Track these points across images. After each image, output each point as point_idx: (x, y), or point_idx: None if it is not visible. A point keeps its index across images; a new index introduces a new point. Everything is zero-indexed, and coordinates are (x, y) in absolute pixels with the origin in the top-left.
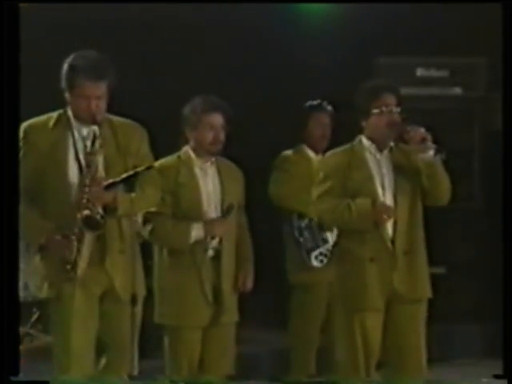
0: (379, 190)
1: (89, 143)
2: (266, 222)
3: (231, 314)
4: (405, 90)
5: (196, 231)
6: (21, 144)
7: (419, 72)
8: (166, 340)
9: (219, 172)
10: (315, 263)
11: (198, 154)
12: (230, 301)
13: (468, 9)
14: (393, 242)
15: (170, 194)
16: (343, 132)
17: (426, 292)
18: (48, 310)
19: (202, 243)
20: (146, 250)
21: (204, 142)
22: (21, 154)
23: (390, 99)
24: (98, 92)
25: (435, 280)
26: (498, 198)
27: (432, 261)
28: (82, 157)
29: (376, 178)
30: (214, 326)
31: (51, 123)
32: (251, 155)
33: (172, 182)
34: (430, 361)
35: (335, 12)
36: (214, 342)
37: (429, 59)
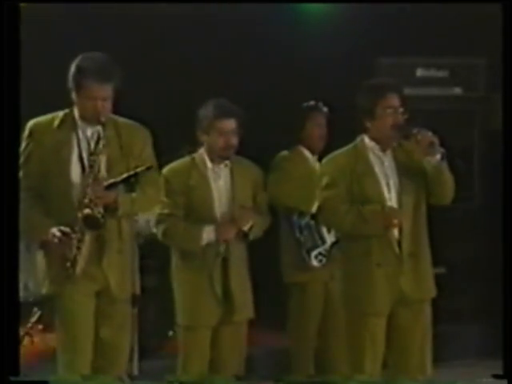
0: (385, 193)
1: (93, 143)
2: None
3: (243, 312)
4: (405, 91)
5: (207, 234)
6: (26, 142)
7: (419, 72)
8: (179, 339)
9: (232, 174)
10: (315, 263)
11: (211, 157)
12: (241, 300)
13: (468, 9)
14: (399, 244)
15: (182, 195)
16: (339, 132)
17: (431, 292)
18: (49, 307)
19: (213, 246)
20: (144, 250)
21: (215, 147)
22: (26, 152)
23: (395, 99)
24: (104, 93)
25: (435, 280)
26: (498, 197)
27: (432, 261)
28: (85, 157)
29: (381, 180)
30: (225, 326)
31: (56, 122)
32: (251, 155)
33: (184, 183)
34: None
35: (335, 12)
36: (224, 341)
37: (429, 59)
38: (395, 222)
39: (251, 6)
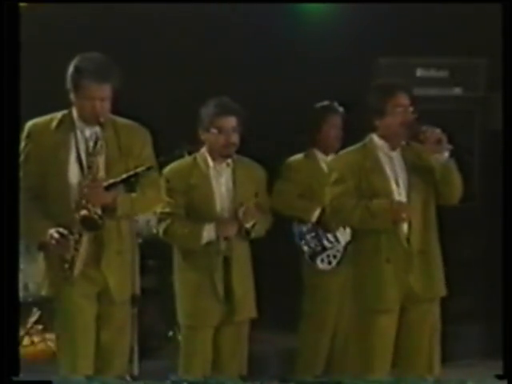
0: (394, 190)
1: (91, 144)
2: (274, 222)
3: (245, 312)
4: None
5: (207, 232)
6: (24, 143)
7: (419, 72)
8: (181, 339)
9: (234, 173)
10: (321, 266)
11: (212, 156)
12: (243, 299)
13: (468, 9)
14: (408, 240)
15: (182, 195)
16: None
17: (441, 290)
18: (49, 308)
19: (214, 244)
20: (145, 250)
21: (216, 145)
22: (24, 152)
23: (404, 98)
24: (102, 94)
25: None
26: (498, 197)
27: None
28: (83, 157)
29: (390, 177)
30: (228, 325)
31: (55, 123)
32: (250, 156)
33: (185, 183)
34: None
35: (335, 12)
36: (226, 341)
37: (429, 59)
38: (404, 216)
39: (251, 5)
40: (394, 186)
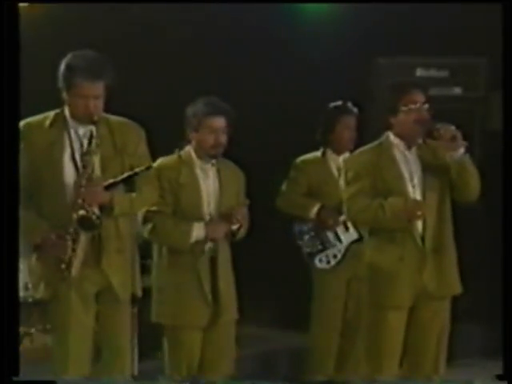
0: (409, 188)
1: (85, 143)
2: (283, 222)
3: (230, 313)
4: None
5: (197, 231)
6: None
7: (419, 72)
8: (165, 340)
9: (219, 173)
10: (319, 265)
11: (199, 155)
12: (228, 299)
13: (468, 9)
14: (423, 239)
15: (170, 193)
16: None
17: (456, 288)
18: (45, 309)
19: (200, 244)
20: (144, 249)
21: (205, 145)
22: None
23: (419, 96)
24: (95, 91)
25: None
26: (498, 197)
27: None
28: (78, 157)
29: (406, 176)
30: (213, 326)
31: (48, 122)
32: (249, 156)
33: (173, 181)
34: None
35: (335, 12)
36: (213, 341)
37: (429, 59)
38: (419, 213)
39: (251, 5)
40: (408, 185)
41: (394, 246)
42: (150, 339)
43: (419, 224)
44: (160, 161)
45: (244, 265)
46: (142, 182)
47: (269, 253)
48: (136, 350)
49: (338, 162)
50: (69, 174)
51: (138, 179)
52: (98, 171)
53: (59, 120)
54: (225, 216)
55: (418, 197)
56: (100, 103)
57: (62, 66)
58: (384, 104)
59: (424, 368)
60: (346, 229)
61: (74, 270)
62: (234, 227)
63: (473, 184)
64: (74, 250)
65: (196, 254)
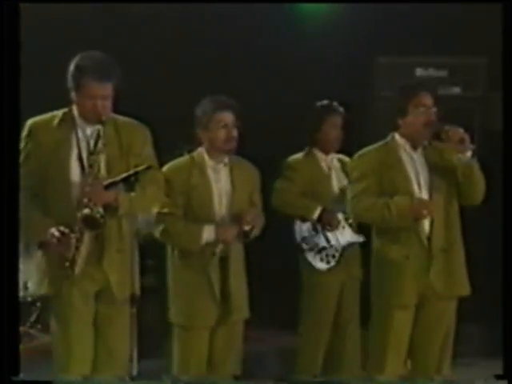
0: (415, 189)
1: (92, 143)
2: (274, 223)
3: (240, 312)
4: None
5: (207, 233)
6: (25, 141)
7: (418, 72)
8: (175, 339)
9: (232, 173)
10: (320, 265)
11: (211, 155)
12: (239, 300)
13: (468, 9)
14: (429, 239)
15: (182, 194)
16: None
17: (463, 289)
18: (48, 306)
19: (211, 245)
20: (144, 249)
21: (217, 141)
22: (25, 151)
23: (428, 98)
24: (103, 92)
25: None
26: (498, 198)
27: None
28: (84, 156)
29: (412, 176)
30: (223, 325)
31: (56, 122)
32: (250, 156)
33: (184, 183)
34: None
35: (335, 12)
36: (222, 340)
37: (428, 59)
38: (425, 213)
39: (251, 5)
40: (414, 185)
41: (400, 244)
42: (149, 339)
43: (425, 223)
44: (173, 163)
45: None
46: (147, 182)
47: (261, 253)
48: (135, 350)
49: (327, 161)
50: (75, 173)
51: (142, 179)
52: (103, 171)
53: (67, 119)
54: (236, 217)
55: (425, 195)
56: (108, 104)
57: (71, 67)
58: (392, 104)
59: (428, 368)
60: (343, 229)
61: (78, 268)
62: (246, 229)
63: (478, 187)
64: (77, 249)
65: (207, 256)
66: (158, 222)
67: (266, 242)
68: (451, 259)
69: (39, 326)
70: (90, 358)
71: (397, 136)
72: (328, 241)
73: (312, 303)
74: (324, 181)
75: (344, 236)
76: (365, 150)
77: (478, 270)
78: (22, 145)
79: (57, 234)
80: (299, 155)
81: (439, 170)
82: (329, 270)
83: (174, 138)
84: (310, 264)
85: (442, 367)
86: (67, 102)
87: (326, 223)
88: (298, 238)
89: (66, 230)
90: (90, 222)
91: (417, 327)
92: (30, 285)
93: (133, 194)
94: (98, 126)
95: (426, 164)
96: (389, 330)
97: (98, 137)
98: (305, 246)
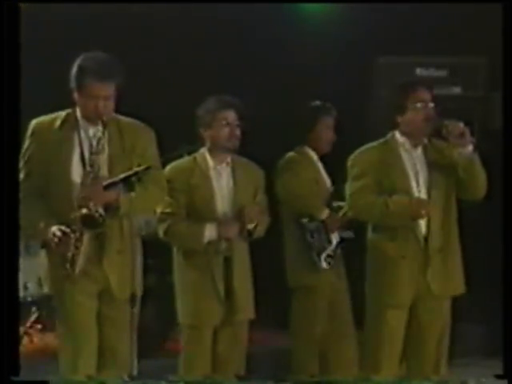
0: (414, 187)
1: (94, 143)
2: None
3: (244, 312)
4: None
5: (209, 232)
6: (28, 141)
7: (419, 72)
8: (182, 339)
9: (234, 173)
10: (325, 265)
11: (213, 155)
12: (243, 299)
13: (468, 9)
14: (426, 239)
15: (184, 194)
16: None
17: (459, 288)
18: (48, 307)
19: (214, 244)
20: (145, 249)
21: (220, 139)
22: (27, 151)
23: (426, 94)
24: (105, 92)
25: None
26: (498, 198)
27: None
28: (87, 156)
29: (411, 175)
30: (227, 325)
31: (58, 122)
32: (250, 156)
33: (186, 183)
34: None
35: (335, 12)
36: (226, 341)
37: (428, 59)
38: (423, 212)
39: (251, 5)
40: (413, 184)
41: (397, 243)
42: (150, 339)
43: (422, 223)
44: (175, 163)
45: None
46: (149, 182)
47: (257, 253)
48: (135, 350)
49: (317, 161)
50: (77, 173)
51: (144, 179)
52: (105, 171)
53: (70, 120)
54: (238, 215)
55: (423, 196)
56: (110, 104)
57: (74, 67)
58: (391, 103)
59: (424, 368)
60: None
61: (78, 268)
62: (250, 226)
63: (480, 182)
64: (77, 248)
65: (210, 254)
66: (160, 222)
67: (257, 243)
68: (448, 259)
69: (39, 326)
70: (95, 358)
71: (397, 134)
72: (329, 241)
73: (305, 304)
74: (320, 180)
75: (335, 236)
76: (364, 147)
77: (478, 269)
78: (24, 145)
79: (58, 233)
80: (293, 153)
81: (439, 169)
82: (324, 269)
83: (174, 138)
84: (305, 265)
85: (440, 367)
86: (67, 102)
87: (331, 223)
88: (308, 237)
89: (68, 230)
90: (89, 222)
91: (412, 327)
92: (30, 285)
93: (133, 194)
94: (101, 127)
95: (426, 163)
96: (383, 329)
97: (100, 137)
98: (315, 245)
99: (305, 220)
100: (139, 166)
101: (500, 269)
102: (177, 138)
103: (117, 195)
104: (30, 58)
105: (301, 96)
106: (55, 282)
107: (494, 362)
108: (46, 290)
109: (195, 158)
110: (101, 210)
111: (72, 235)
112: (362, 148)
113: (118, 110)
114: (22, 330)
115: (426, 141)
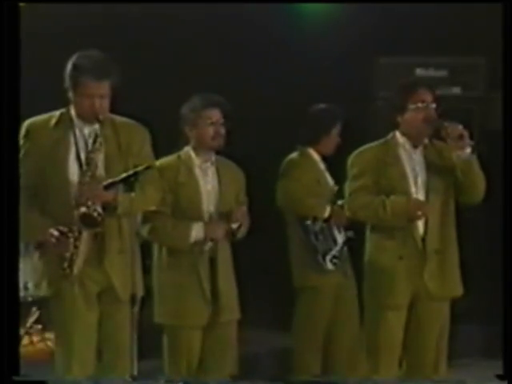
0: (412, 188)
1: (90, 142)
2: (269, 225)
3: (230, 312)
4: None
5: (196, 232)
6: (22, 142)
7: (418, 72)
8: (165, 339)
9: (218, 172)
10: (330, 266)
11: (198, 154)
12: (229, 299)
13: (468, 9)
14: (423, 240)
15: (169, 193)
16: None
17: (456, 290)
18: (48, 308)
19: (199, 244)
20: (144, 249)
21: (205, 138)
22: (22, 151)
23: (427, 95)
24: (101, 91)
25: None
26: (498, 198)
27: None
28: (82, 156)
29: (409, 175)
30: (214, 325)
31: (53, 122)
32: (250, 156)
33: (172, 181)
34: None
35: (335, 12)
36: (214, 341)
37: (428, 59)
38: (420, 213)
39: (251, 5)
40: (411, 185)
41: (394, 244)
42: (149, 339)
43: (420, 224)
44: (160, 161)
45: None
46: (146, 182)
47: (255, 253)
48: (135, 350)
49: (321, 162)
50: (73, 172)
51: (140, 179)
52: (101, 170)
53: (65, 119)
54: (224, 216)
55: (421, 197)
56: (105, 103)
57: (69, 66)
58: (391, 103)
59: (424, 368)
60: (339, 231)
61: (76, 269)
62: (234, 226)
63: (478, 185)
64: (76, 248)
65: (196, 254)
66: (145, 221)
67: (262, 241)
68: (445, 260)
69: (39, 326)
70: (92, 360)
71: (397, 134)
72: (335, 241)
73: (309, 305)
74: (323, 181)
75: (341, 235)
76: (364, 147)
77: (478, 269)
78: (19, 145)
79: (56, 233)
80: (297, 156)
81: (438, 170)
82: (329, 270)
83: (172, 138)
84: (309, 266)
85: (439, 368)
86: (67, 102)
87: (336, 221)
88: (313, 239)
89: (65, 230)
90: (87, 221)
91: (410, 328)
92: (30, 285)
93: (132, 193)
94: (96, 126)
95: (425, 163)
96: (381, 330)
97: (96, 136)
98: (320, 247)
99: (308, 222)
100: (136, 166)
101: (500, 269)
102: (173, 138)
103: (114, 195)
104: (29, 58)
105: (301, 96)
106: (52, 284)
107: (494, 362)
108: (42, 293)
109: (179, 156)
110: (99, 209)
111: (70, 235)
112: (362, 148)
113: (113, 110)
114: (22, 330)
115: (426, 141)
